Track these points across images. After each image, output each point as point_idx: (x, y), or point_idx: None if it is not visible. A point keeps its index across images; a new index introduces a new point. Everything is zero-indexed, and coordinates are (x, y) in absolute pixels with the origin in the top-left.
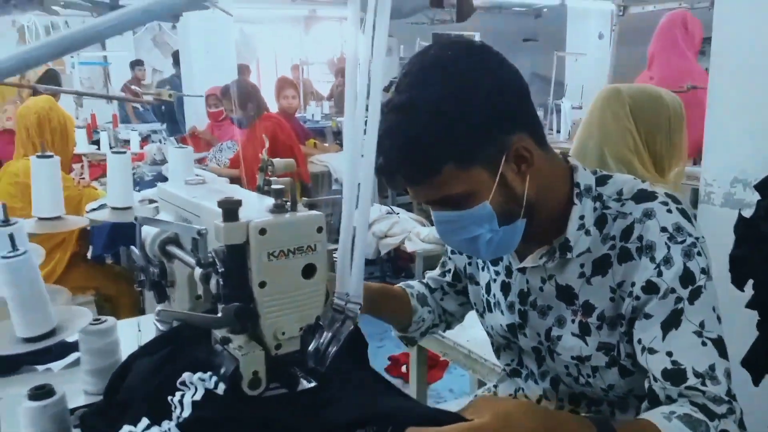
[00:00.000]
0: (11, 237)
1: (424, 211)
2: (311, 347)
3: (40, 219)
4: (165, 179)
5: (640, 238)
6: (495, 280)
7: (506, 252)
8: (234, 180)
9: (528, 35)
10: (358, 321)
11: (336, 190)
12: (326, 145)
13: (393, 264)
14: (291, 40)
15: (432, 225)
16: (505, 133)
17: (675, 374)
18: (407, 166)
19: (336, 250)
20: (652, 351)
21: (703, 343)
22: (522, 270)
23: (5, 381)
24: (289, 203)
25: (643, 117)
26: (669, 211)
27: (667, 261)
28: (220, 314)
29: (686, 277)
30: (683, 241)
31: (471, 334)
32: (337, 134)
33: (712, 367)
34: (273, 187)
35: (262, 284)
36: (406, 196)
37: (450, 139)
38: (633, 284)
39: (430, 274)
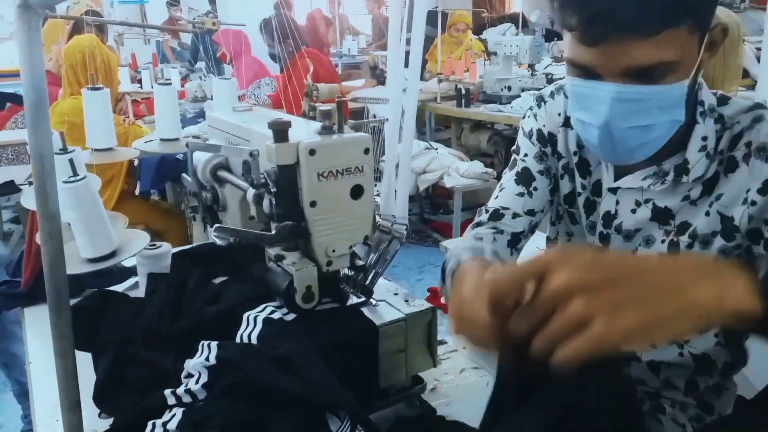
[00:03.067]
0: (71, 162)
1: (463, 146)
2: (360, 264)
3: (94, 150)
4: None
5: (749, 144)
6: (580, 195)
7: (652, 151)
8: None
9: None
10: (404, 239)
11: (373, 126)
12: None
13: (431, 200)
14: None
15: (470, 160)
16: (715, 6)
17: None
18: (647, 10)
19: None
20: None
21: None
22: (613, 190)
23: (71, 302)
24: (336, 125)
25: None
26: None
27: None
28: (273, 232)
29: None
30: None
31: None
32: (374, 69)
33: None
34: (320, 109)
35: (313, 204)
36: (444, 132)
37: None
38: (747, 191)
39: (507, 202)
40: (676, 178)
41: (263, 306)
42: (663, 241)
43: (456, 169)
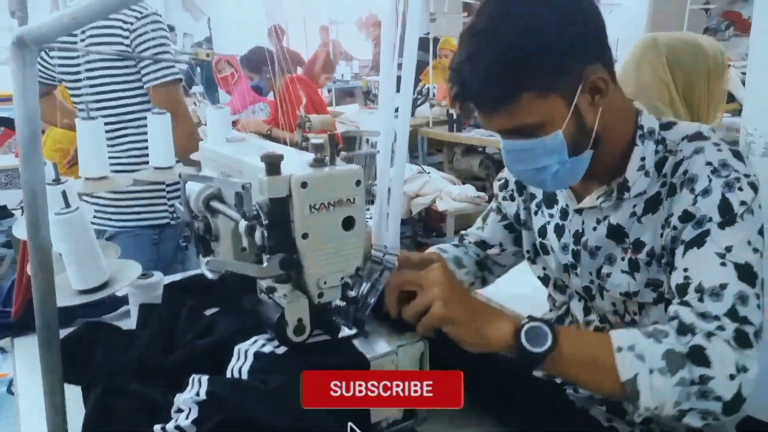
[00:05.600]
0: (64, 194)
1: (455, 170)
2: (351, 296)
3: (87, 179)
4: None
5: (685, 172)
6: (549, 223)
7: (570, 183)
8: (264, 134)
9: None
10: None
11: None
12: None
13: (424, 223)
14: (319, 0)
15: (462, 184)
16: (584, 63)
17: (681, 289)
18: (486, 93)
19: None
20: (674, 268)
21: (723, 264)
22: (579, 211)
23: (61, 332)
24: (328, 157)
25: (680, 67)
26: (719, 150)
27: (706, 192)
28: (265, 264)
29: (722, 206)
30: (727, 175)
31: (507, 291)
32: (367, 94)
33: (722, 286)
34: (312, 141)
35: (305, 235)
36: (437, 156)
37: (532, 65)
38: (672, 215)
39: (472, 231)
40: (619, 195)
41: (254, 339)
42: (623, 259)
43: (448, 193)
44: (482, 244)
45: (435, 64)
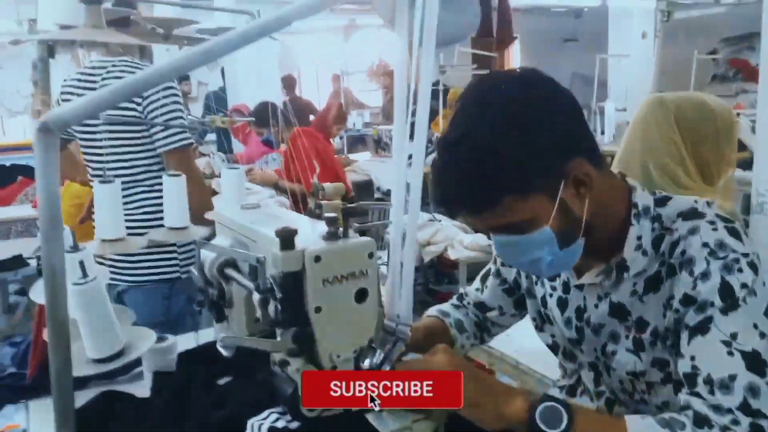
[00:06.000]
0: (81, 264)
1: None
2: (364, 368)
3: (103, 241)
4: (214, 192)
5: (683, 253)
6: (552, 295)
7: (566, 269)
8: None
9: (568, 35)
10: (408, 341)
11: (378, 198)
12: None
13: (436, 270)
14: (331, 49)
15: (475, 232)
16: (563, 161)
17: (690, 378)
18: (467, 200)
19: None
20: (681, 356)
21: (730, 353)
22: (579, 287)
23: (76, 395)
24: (341, 230)
25: (688, 126)
26: (714, 229)
27: (705, 275)
28: (279, 338)
29: (723, 290)
30: (725, 257)
31: (519, 344)
32: (378, 142)
33: (732, 377)
34: (326, 216)
35: (318, 309)
36: None
37: (508, 171)
38: (674, 297)
39: (471, 291)
40: (619, 275)
41: (268, 413)
42: (627, 337)
43: (460, 241)
44: (481, 306)
45: (445, 113)
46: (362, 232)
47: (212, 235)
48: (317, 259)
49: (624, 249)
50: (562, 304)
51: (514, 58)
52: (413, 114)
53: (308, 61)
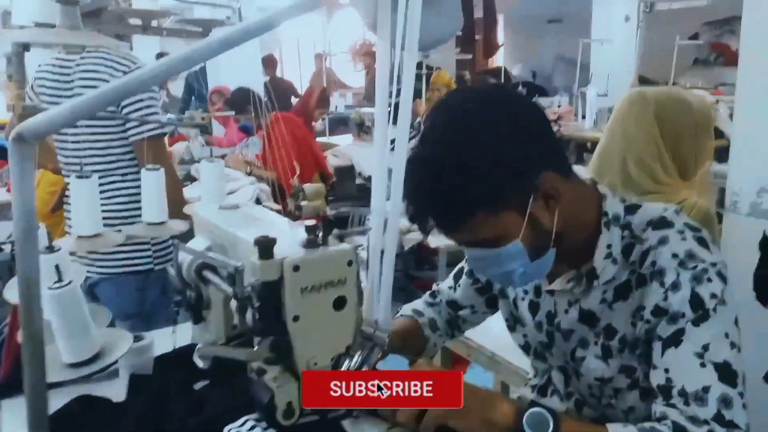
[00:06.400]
0: (57, 269)
1: None
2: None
3: (80, 237)
4: (194, 179)
5: (653, 263)
6: (523, 299)
7: (538, 279)
8: (246, 173)
9: (552, 17)
10: (386, 347)
11: (360, 185)
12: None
13: (416, 257)
14: (313, 28)
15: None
16: (532, 176)
17: (665, 390)
18: (439, 218)
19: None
20: (654, 367)
21: (702, 365)
22: (550, 291)
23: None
24: (320, 236)
25: (668, 122)
26: (683, 239)
27: (675, 286)
28: (256, 347)
29: (694, 301)
30: (694, 267)
31: (496, 335)
32: (360, 125)
33: (705, 389)
34: (305, 224)
35: (296, 318)
36: None
37: (479, 190)
38: (644, 308)
39: (444, 289)
40: (589, 282)
41: (243, 420)
42: (596, 344)
43: None
44: (454, 304)
45: (428, 96)
46: (341, 238)
47: (190, 230)
48: (296, 268)
49: (594, 257)
50: (534, 307)
51: (499, 39)
52: (398, 94)
53: (290, 40)
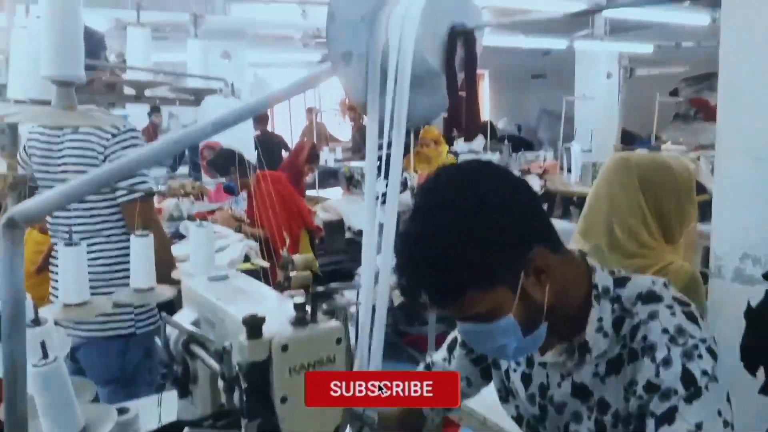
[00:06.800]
0: (42, 345)
1: None
2: None
3: (66, 305)
4: (182, 236)
5: (644, 338)
6: (516, 370)
7: (531, 352)
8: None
9: (537, 72)
10: (375, 426)
11: (349, 239)
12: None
13: (406, 312)
14: None
15: None
16: (522, 253)
17: None
18: (431, 295)
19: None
20: None
21: None
22: (543, 364)
23: None
24: (309, 313)
25: (651, 187)
26: (673, 314)
27: (667, 362)
28: (243, 430)
29: (685, 377)
30: (684, 343)
31: (486, 398)
32: (350, 179)
33: None
34: (294, 302)
35: (284, 399)
36: None
37: (469, 268)
38: (636, 383)
39: (438, 361)
40: (581, 356)
41: None
42: (590, 418)
43: None
44: None
45: (417, 150)
46: (331, 313)
47: (177, 296)
48: (284, 348)
49: (585, 331)
50: (526, 379)
51: (484, 94)
52: (389, 146)
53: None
